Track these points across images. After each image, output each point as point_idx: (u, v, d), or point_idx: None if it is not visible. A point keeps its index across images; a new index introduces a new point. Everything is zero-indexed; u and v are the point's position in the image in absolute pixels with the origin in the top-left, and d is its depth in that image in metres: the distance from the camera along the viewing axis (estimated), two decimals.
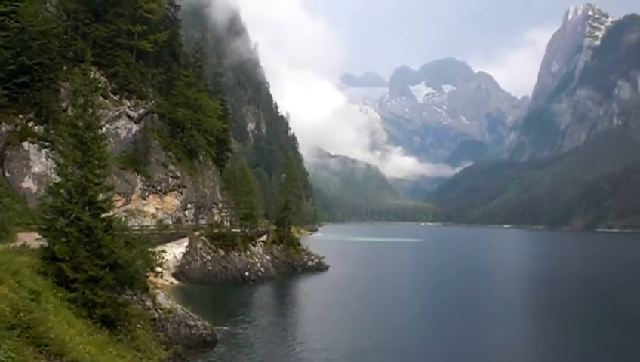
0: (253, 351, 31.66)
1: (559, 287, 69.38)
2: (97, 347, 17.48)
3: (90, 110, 23.69)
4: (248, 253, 64.40)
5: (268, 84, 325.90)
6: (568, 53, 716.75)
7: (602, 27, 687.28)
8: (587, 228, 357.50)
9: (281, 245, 78.68)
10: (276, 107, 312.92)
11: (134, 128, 64.01)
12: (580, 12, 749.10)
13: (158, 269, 36.17)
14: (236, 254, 62.53)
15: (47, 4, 59.78)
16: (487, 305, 53.92)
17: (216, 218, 75.02)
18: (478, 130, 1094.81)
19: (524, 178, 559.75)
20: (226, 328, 35.81)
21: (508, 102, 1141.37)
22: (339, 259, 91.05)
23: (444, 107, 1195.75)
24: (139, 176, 61.64)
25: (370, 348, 34.19)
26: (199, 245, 60.74)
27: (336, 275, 72.92)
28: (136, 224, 51.32)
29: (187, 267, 58.54)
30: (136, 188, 61.12)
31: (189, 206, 69.30)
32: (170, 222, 63.64)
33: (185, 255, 59.25)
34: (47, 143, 51.28)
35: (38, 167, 50.56)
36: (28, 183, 49.71)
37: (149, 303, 29.51)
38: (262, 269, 63.89)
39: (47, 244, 22.49)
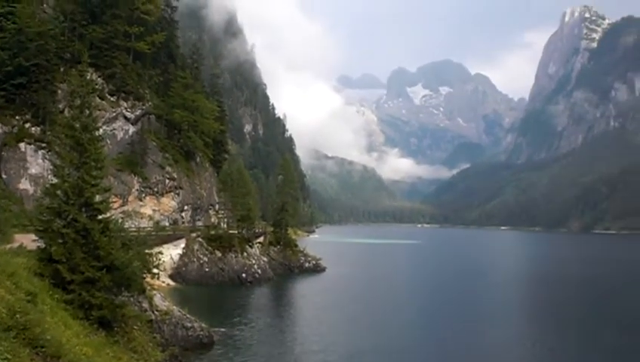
0: (250, 353, 31.62)
1: (556, 289, 69.43)
2: (94, 348, 17.44)
3: (87, 111, 23.65)
4: (245, 254, 64.31)
5: (265, 85, 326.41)
6: (565, 55, 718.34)
7: (599, 29, 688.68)
8: (584, 230, 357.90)
9: (278, 247, 78.65)
10: (273, 108, 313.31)
11: (131, 130, 63.92)
12: (576, 14, 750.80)
13: (155, 271, 36.09)
14: (233, 256, 62.45)
15: (44, 5, 59.70)
16: (484, 307, 53.92)
17: (213, 219, 74.92)
18: (475, 131, 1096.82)
19: (521, 180, 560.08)
20: (222, 330, 35.75)
21: (505, 104, 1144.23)
22: (336, 260, 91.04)
23: (441, 109, 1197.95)
24: (136, 178, 61.54)
25: (367, 349, 34.20)
26: (196, 246, 60.66)
27: (333, 277, 72.91)
28: (133, 225, 51.25)
29: (184, 268, 58.44)
30: (133, 190, 61.03)
31: (185, 207, 69.19)
32: (167, 224, 63.53)
33: (182, 256, 59.17)
34: (43, 145, 51.21)
35: (35, 168, 50.49)
36: (24, 185, 49.63)
37: (145, 305, 29.46)
38: (259, 271, 63.81)
39: (43, 246, 22.44)
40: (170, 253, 56.76)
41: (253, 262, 64.74)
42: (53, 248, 21.78)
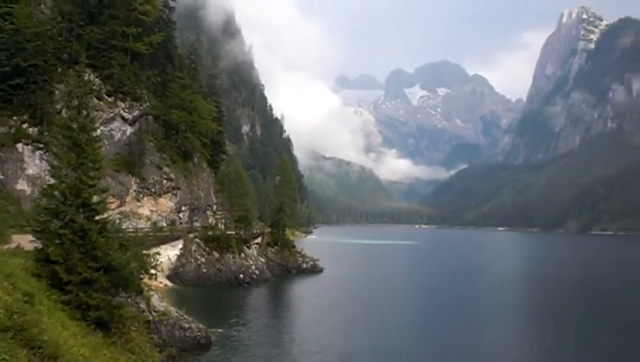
0: (248, 354, 31.63)
1: (553, 290, 69.49)
2: (91, 349, 17.44)
3: (85, 112, 23.66)
4: (243, 255, 64.31)
5: (262, 86, 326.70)
6: (563, 56, 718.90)
7: (597, 30, 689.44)
8: (581, 230, 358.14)
9: (276, 247, 78.62)
10: (271, 109, 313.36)
11: (129, 130, 63.87)
12: (574, 15, 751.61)
13: (153, 271, 36.09)
14: (231, 256, 62.44)
15: (42, 5, 59.59)
16: (481, 308, 53.97)
17: (210, 220, 74.84)
18: (472, 132, 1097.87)
19: (519, 181, 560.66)
20: (220, 330, 35.77)
21: (502, 105, 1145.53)
22: (333, 261, 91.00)
23: (439, 110, 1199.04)
24: (133, 178, 61.48)
25: (364, 349, 34.23)
26: (193, 247, 60.63)
27: (331, 277, 72.91)
28: (130, 226, 51.20)
29: (181, 269, 58.39)
30: (131, 190, 60.97)
31: (183, 208, 69.14)
32: (165, 224, 63.47)
33: (179, 257, 59.11)
34: (41, 145, 51.15)
35: (32, 168, 50.41)
36: (22, 185, 49.56)
37: (143, 305, 29.46)
38: (256, 271, 63.81)
39: (41, 246, 22.45)
40: (168, 254, 56.71)
41: (251, 262, 64.75)
42: (51, 249, 21.78)
